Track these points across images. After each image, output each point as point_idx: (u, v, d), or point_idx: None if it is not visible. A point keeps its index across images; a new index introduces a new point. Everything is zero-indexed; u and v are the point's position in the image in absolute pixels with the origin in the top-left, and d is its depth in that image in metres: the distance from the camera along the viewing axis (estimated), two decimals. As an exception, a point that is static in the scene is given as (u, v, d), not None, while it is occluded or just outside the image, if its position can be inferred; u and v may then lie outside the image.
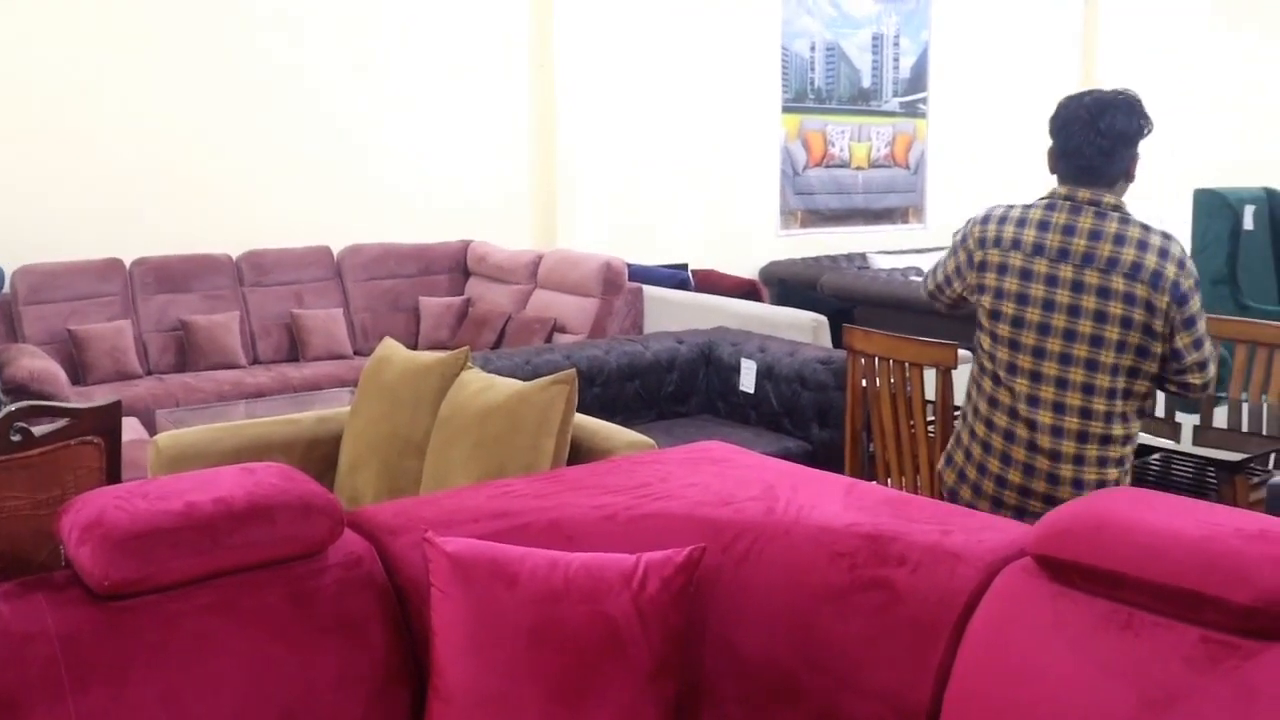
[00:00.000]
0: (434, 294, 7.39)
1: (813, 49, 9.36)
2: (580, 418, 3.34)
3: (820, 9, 9.35)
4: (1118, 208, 2.99)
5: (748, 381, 5.24)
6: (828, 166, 9.57)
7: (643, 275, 6.91)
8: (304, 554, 2.22)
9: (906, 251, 9.53)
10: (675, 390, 5.43)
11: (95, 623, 2.04)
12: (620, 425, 5.14)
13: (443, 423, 3.36)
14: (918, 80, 10.06)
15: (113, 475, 2.41)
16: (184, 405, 5.92)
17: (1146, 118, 3.00)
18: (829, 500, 2.45)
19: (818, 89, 9.42)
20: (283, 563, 2.20)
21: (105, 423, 2.37)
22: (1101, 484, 3.01)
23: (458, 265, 7.58)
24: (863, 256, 9.21)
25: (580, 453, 3.20)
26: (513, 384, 3.29)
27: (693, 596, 2.23)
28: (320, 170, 7.29)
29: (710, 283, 6.60)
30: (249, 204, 7.08)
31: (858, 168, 9.76)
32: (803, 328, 5.84)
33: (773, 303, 7.33)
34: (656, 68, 8.41)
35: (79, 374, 6.15)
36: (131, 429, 5.46)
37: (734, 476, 2.63)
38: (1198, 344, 2.98)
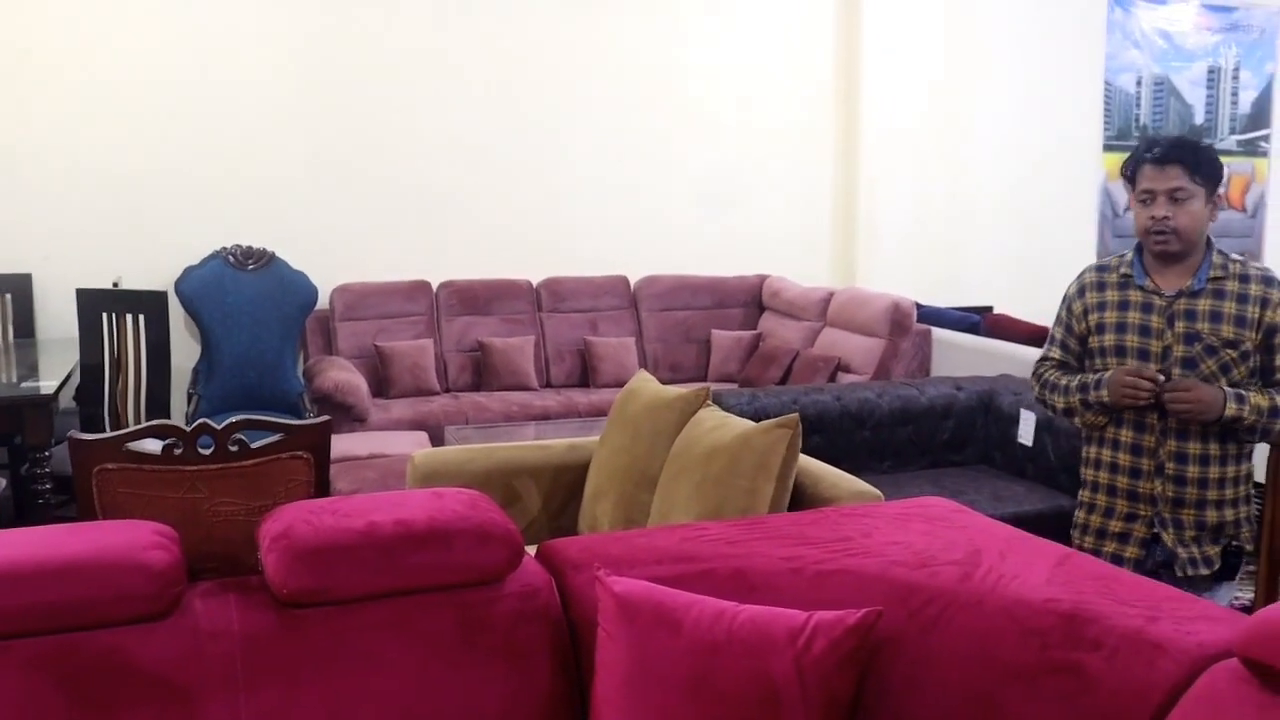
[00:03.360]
0: (727, 327, 7.41)
1: (1139, 84, 8.83)
2: (810, 462, 3.25)
3: (1149, 41, 8.82)
4: None
5: (1026, 433, 4.97)
6: (1153, 209, 8.98)
7: (934, 317, 6.69)
8: (479, 581, 2.25)
9: (1240, 302, 8.83)
10: (950, 438, 5.22)
11: (274, 627, 2.14)
12: (889, 472, 5.06)
13: (673, 458, 3.35)
14: (1259, 117, 9.32)
15: (321, 489, 2.51)
16: (473, 423, 6.16)
17: None
18: (1034, 571, 2.27)
19: (1144, 126, 8.88)
20: (458, 588, 2.24)
21: (315, 439, 2.48)
22: None
23: (753, 299, 7.58)
24: (1189, 306, 8.59)
25: (804, 499, 3.11)
26: (743, 424, 3.23)
27: (865, 662, 2.11)
28: (622, 200, 7.45)
29: (1002, 328, 6.31)
30: (551, 232, 7.31)
31: (1188, 211, 9.12)
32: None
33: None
34: (967, 101, 8.14)
35: (382, 387, 6.52)
36: (419, 442, 5.74)
37: (942, 537, 2.49)
38: None
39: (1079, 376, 3.13)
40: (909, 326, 6.40)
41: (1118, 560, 3.06)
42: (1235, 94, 9.24)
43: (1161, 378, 2.94)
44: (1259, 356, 2.97)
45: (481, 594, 2.24)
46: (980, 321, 6.55)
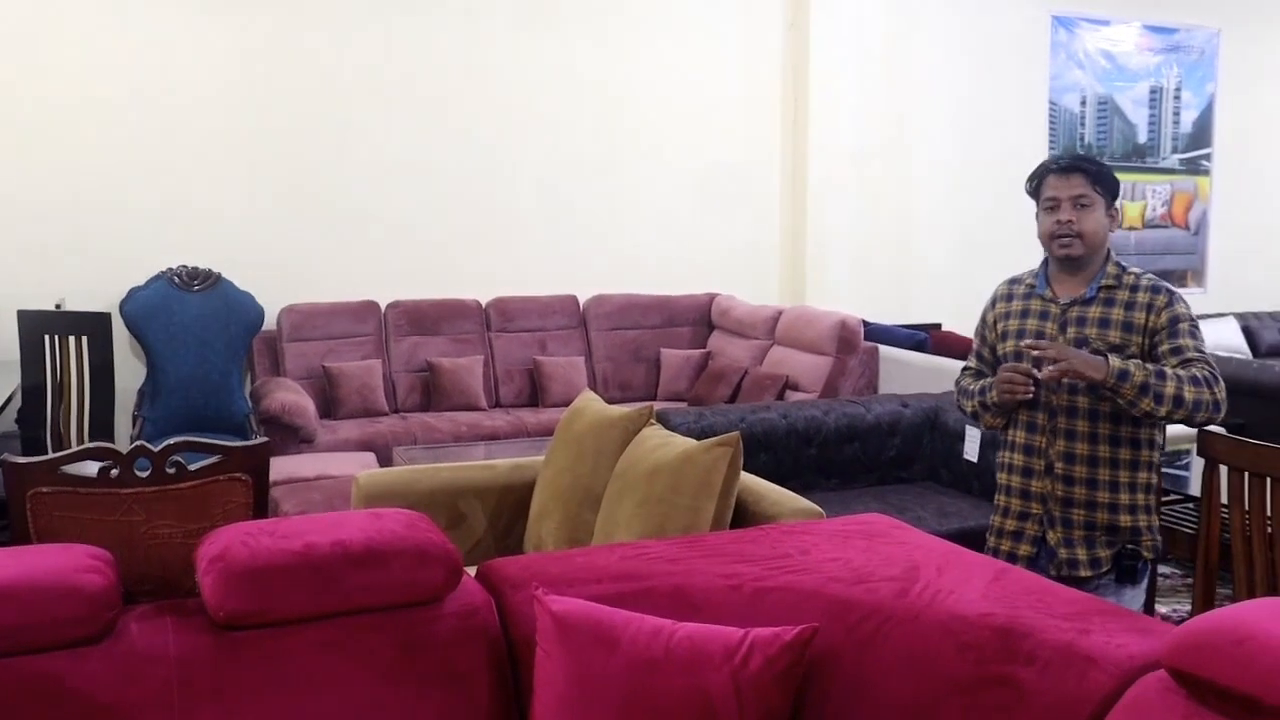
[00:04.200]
0: (676, 346, 7.43)
1: (1083, 103, 8.96)
2: (753, 480, 3.27)
3: (1092, 62, 8.95)
4: None
5: (971, 450, 4.99)
6: (1098, 227, 9.12)
7: (881, 335, 6.74)
8: (417, 601, 2.25)
9: (1183, 318, 8.96)
10: (897, 455, 5.26)
11: (211, 650, 2.13)
12: (836, 489, 5.08)
13: (616, 477, 3.36)
14: (1201, 135, 9.48)
15: (260, 510, 2.50)
16: (422, 443, 6.14)
17: None
18: (971, 586, 2.30)
19: (1088, 145, 9.00)
20: (396, 608, 2.23)
21: (254, 461, 2.47)
22: None
23: (702, 318, 7.61)
24: (1133, 323, 8.70)
25: (746, 516, 3.13)
26: (686, 443, 3.24)
27: (802, 677, 2.13)
28: (571, 220, 7.47)
29: (948, 345, 6.37)
30: (499, 252, 7.31)
31: (1130, 228, 9.25)
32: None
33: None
34: (913, 121, 8.23)
35: (330, 408, 6.48)
36: (366, 463, 5.72)
37: (881, 554, 2.51)
38: None
39: (983, 381, 3.28)
40: (856, 344, 6.44)
41: (1013, 559, 3.16)
42: (1177, 113, 9.39)
43: (1036, 371, 3.04)
44: (1147, 360, 3.04)
45: (420, 614, 2.24)
46: (927, 339, 6.61)
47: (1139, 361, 2.97)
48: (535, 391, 7.03)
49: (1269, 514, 3.17)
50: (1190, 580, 3.79)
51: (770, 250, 8.05)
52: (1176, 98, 9.36)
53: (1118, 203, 3.17)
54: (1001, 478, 3.28)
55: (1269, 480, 3.14)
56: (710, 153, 7.80)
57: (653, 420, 3.57)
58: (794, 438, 5.04)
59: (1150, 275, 3.15)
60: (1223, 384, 2.96)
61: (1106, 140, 9.12)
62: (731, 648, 2.08)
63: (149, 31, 6.45)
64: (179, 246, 6.49)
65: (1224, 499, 3.37)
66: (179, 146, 6.55)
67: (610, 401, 5.58)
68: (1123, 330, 3.06)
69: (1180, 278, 9.49)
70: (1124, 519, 3.08)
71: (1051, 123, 8.86)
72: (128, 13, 6.42)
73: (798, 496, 3.16)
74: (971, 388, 3.32)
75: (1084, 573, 3.09)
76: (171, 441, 2.43)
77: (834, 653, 2.19)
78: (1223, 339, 8.76)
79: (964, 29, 8.45)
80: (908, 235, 8.20)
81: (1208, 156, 9.55)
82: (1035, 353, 3.02)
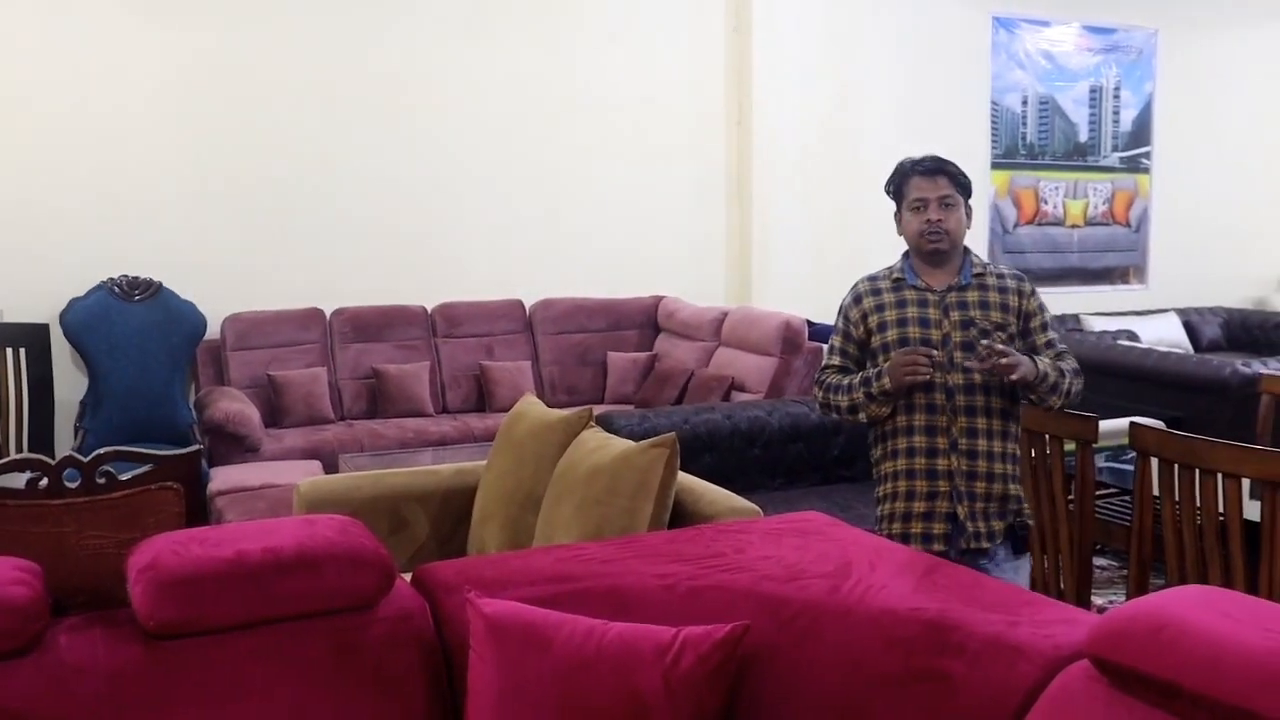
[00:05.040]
0: (622, 349, 7.43)
1: (1025, 103, 9.06)
2: (692, 480, 3.29)
3: (1033, 62, 9.05)
4: None
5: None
6: (1040, 224, 9.22)
7: (826, 335, 6.74)
8: (351, 607, 2.24)
9: (1125, 314, 9.08)
10: (841, 454, 5.29)
11: (142, 660, 2.12)
12: (781, 488, 5.11)
13: (556, 480, 3.36)
14: (1140, 134, 9.61)
15: (192, 519, 2.49)
16: (368, 450, 6.11)
17: None
18: (902, 581, 2.32)
19: (1030, 144, 9.10)
20: (329, 614, 2.22)
21: (186, 470, 2.46)
22: None
23: (648, 321, 7.62)
24: (1076, 318, 8.82)
25: (685, 517, 3.14)
26: (624, 445, 3.25)
27: (735, 675, 2.14)
28: (516, 224, 7.45)
29: (892, 344, 6.42)
30: (445, 258, 7.28)
31: (1073, 225, 9.36)
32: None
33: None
34: (856, 121, 8.26)
35: (276, 417, 6.43)
36: (312, 471, 5.68)
37: (814, 550, 2.53)
38: None
39: (859, 374, 3.36)
40: (801, 344, 6.47)
41: (929, 539, 3.26)
42: (1117, 112, 9.51)
43: (935, 352, 3.20)
44: (1019, 341, 3.30)
45: (354, 620, 2.23)
46: (871, 338, 6.64)
47: (1047, 361, 3.23)
48: (482, 396, 7.01)
49: (1199, 505, 3.22)
50: (1127, 572, 3.84)
51: (716, 252, 8.07)
52: (1116, 97, 9.48)
53: (970, 202, 3.39)
54: (901, 463, 3.35)
55: (1198, 472, 3.19)
56: (655, 156, 7.81)
57: (592, 423, 3.59)
58: (738, 438, 5.07)
59: (1004, 265, 3.47)
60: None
61: (1048, 139, 9.22)
62: (663, 646, 2.09)
63: (88, 40, 6.38)
64: (119, 256, 6.42)
65: (1157, 491, 3.42)
66: (119, 155, 6.48)
67: (558, 405, 5.60)
68: (1001, 310, 3.29)
69: (1123, 274, 9.61)
70: (1011, 488, 3.28)
71: (994, 122, 8.95)
72: (66, 21, 6.34)
73: (735, 496, 3.18)
74: (845, 382, 3.39)
75: (985, 544, 3.25)
76: (101, 451, 2.42)
77: (767, 650, 2.21)
78: (1164, 334, 8.88)
79: (906, 30, 8.51)
80: (852, 235, 8.24)
81: (1147, 154, 9.67)
82: (993, 356, 3.14)
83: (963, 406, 3.23)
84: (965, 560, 3.12)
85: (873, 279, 3.47)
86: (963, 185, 3.35)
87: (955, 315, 3.28)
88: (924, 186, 3.34)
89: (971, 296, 3.30)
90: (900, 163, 3.44)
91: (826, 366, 3.49)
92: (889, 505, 3.39)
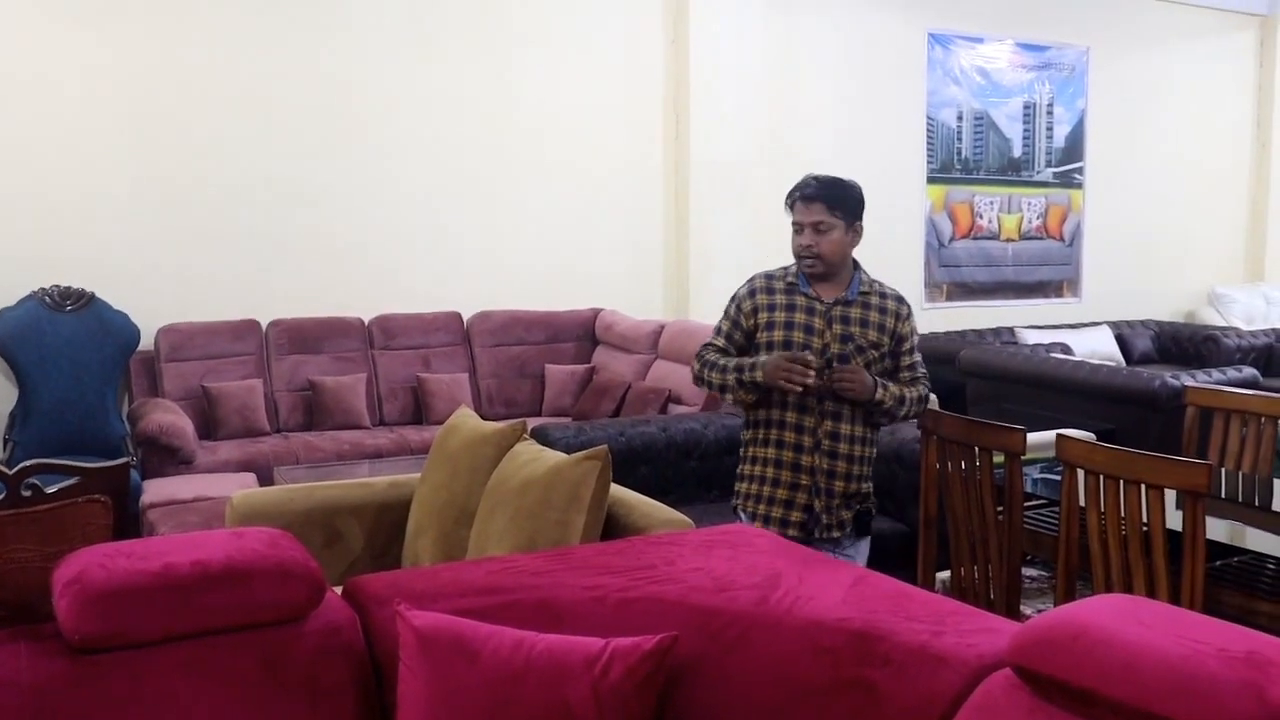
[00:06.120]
0: (560, 361, 7.44)
1: (960, 118, 9.20)
2: (624, 493, 3.30)
3: (968, 78, 9.19)
4: None
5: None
6: (975, 238, 9.36)
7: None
8: (280, 620, 2.23)
9: (1059, 326, 9.23)
10: (777, 465, 5.31)
11: (67, 675, 2.09)
12: (718, 500, 5.12)
13: (489, 493, 3.36)
14: (1073, 150, 9.77)
15: (120, 532, 2.46)
16: (304, 463, 6.07)
17: None
18: (830, 592, 2.35)
19: (965, 159, 9.23)
20: (258, 627, 2.21)
21: (114, 482, 2.43)
22: None
23: (586, 333, 7.63)
24: (1010, 331, 8.94)
25: (617, 529, 3.15)
26: (557, 457, 3.26)
27: (664, 685, 2.15)
28: (454, 236, 7.44)
29: (828, 356, 6.47)
30: (382, 269, 7.26)
31: (1007, 240, 9.51)
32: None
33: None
34: (794, 135, 8.34)
35: (210, 429, 6.37)
36: (246, 483, 5.63)
37: (743, 562, 2.55)
38: None
39: (735, 360, 3.60)
40: (739, 357, 6.50)
41: (784, 524, 3.55)
42: (1050, 128, 9.67)
43: (812, 359, 3.43)
44: (889, 359, 3.59)
45: (283, 633, 2.22)
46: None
47: (894, 388, 3.54)
48: (419, 409, 6.98)
49: (1124, 515, 3.28)
50: (1055, 581, 3.90)
51: (653, 265, 8.10)
52: (1049, 113, 9.64)
53: (860, 220, 3.61)
54: (770, 452, 3.59)
55: (1121, 482, 3.24)
56: (593, 169, 7.83)
57: (526, 436, 3.59)
58: (674, 450, 5.09)
59: (890, 286, 3.71)
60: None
61: (983, 154, 9.36)
62: (592, 658, 2.10)
63: (18, 45, 6.30)
64: (51, 266, 6.33)
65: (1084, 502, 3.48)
66: (50, 163, 6.39)
67: (495, 417, 5.60)
68: (877, 330, 3.57)
69: (1056, 288, 9.77)
70: (866, 486, 3.63)
71: (929, 137, 9.07)
72: (-6, 27, 6.27)
73: (667, 508, 3.19)
74: (720, 362, 3.62)
75: (836, 534, 3.58)
76: (27, 464, 2.39)
77: (697, 660, 2.23)
78: (1097, 347, 9.02)
79: (842, 45, 8.61)
80: (789, 249, 8.29)
81: (1080, 170, 9.84)
82: (839, 375, 3.45)
83: (830, 411, 3.52)
84: (814, 544, 3.43)
85: (769, 277, 3.70)
86: (845, 208, 3.56)
87: (837, 328, 3.54)
88: (801, 211, 3.60)
89: (855, 313, 3.56)
90: (795, 185, 3.66)
91: (710, 344, 3.73)
92: (752, 486, 3.65)
